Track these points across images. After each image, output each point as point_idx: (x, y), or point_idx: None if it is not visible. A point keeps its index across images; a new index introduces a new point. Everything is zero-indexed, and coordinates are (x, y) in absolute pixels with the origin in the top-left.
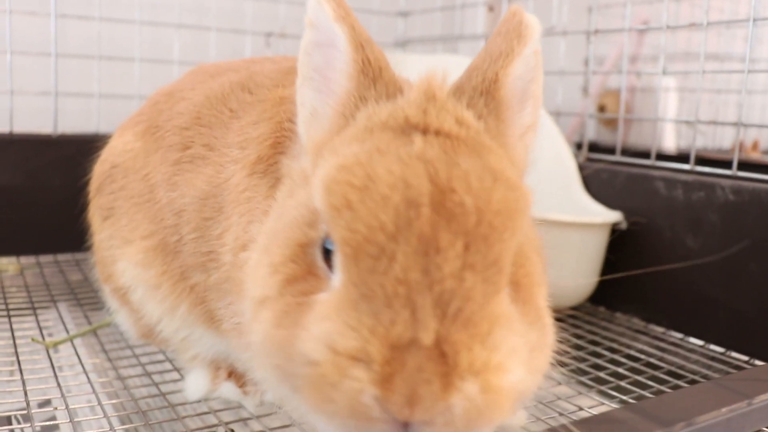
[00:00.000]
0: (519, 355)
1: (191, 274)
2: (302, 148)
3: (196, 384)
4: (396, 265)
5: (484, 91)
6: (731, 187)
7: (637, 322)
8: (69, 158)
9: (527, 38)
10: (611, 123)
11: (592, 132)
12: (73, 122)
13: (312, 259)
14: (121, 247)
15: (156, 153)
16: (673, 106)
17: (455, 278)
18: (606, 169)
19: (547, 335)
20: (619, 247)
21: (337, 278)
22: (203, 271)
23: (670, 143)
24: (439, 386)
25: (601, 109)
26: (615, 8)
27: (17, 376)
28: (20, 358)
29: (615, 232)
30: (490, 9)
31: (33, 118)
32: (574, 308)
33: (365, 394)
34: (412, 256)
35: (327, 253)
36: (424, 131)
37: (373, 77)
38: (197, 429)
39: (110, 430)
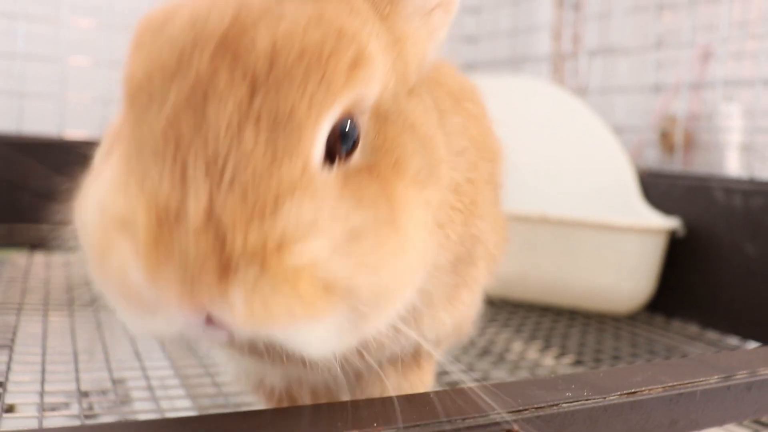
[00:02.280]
0: (321, 231)
1: None
2: None
3: None
4: (167, 109)
5: None
6: None
7: (694, 329)
8: None
9: None
10: (674, 149)
11: (655, 160)
12: None
13: None
14: None
15: None
16: (737, 133)
17: (232, 135)
18: (665, 180)
19: (395, 226)
20: (678, 255)
21: (123, 129)
22: None
23: (734, 170)
24: (213, 268)
25: (664, 135)
26: (680, 34)
27: (99, 356)
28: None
29: (674, 240)
30: (555, 33)
31: None
32: (631, 316)
33: (130, 268)
34: (186, 99)
35: None
36: None
37: None
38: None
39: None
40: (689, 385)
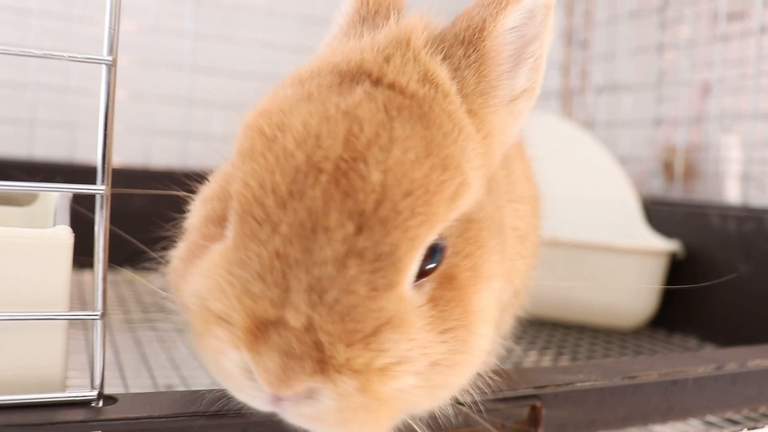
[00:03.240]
0: (412, 365)
1: None
2: None
3: None
4: (277, 237)
5: (466, 40)
6: None
7: (693, 342)
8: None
9: None
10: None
11: (660, 188)
12: None
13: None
14: None
15: None
16: (736, 163)
17: (337, 265)
18: (666, 207)
19: (466, 350)
20: (678, 275)
21: (229, 232)
22: None
23: (734, 198)
24: (311, 366)
25: (666, 165)
26: (680, 71)
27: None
28: (149, 348)
29: (674, 261)
30: (564, 71)
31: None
32: (635, 331)
33: (225, 355)
34: (297, 229)
35: None
36: (376, 82)
37: (364, 17)
38: None
39: None
40: (680, 372)
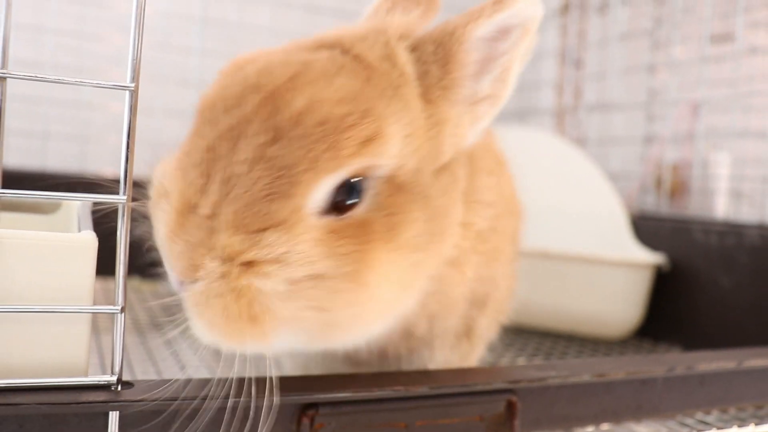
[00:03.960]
0: (286, 269)
1: None
2: None
3: None
4: (213, 135)
5: (437, 40)
6: (758, 234)
7: (678, 351)
8: None
9: (504, 5)
10: (667, 194)
11: (653, 204)
12: None
13: None
14: None
15: None
16: (725, 179)
17: (248, 166)
18: (653, 222)
19: (358, 282)
20: (664, 286)
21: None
22: None
23: (724, 213)
24: (201, 254)
25: (658, 182)
26: (670, 90)
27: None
28: (156, 351)
29: (660, 273)
30: (558, 89)
31: None
32: (622, 341)
33: (161, 229)
34: (228, 132)
35: None
36: (345, 52)
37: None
38: None
39: None
40: (647, 372)
